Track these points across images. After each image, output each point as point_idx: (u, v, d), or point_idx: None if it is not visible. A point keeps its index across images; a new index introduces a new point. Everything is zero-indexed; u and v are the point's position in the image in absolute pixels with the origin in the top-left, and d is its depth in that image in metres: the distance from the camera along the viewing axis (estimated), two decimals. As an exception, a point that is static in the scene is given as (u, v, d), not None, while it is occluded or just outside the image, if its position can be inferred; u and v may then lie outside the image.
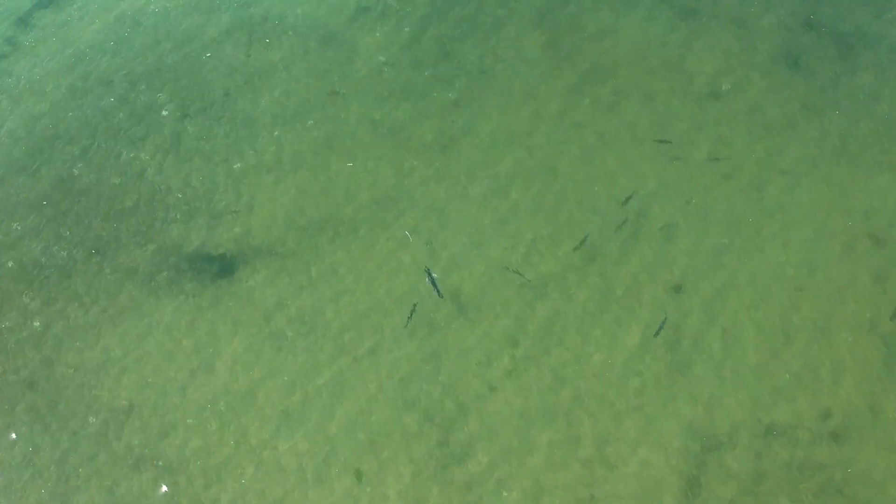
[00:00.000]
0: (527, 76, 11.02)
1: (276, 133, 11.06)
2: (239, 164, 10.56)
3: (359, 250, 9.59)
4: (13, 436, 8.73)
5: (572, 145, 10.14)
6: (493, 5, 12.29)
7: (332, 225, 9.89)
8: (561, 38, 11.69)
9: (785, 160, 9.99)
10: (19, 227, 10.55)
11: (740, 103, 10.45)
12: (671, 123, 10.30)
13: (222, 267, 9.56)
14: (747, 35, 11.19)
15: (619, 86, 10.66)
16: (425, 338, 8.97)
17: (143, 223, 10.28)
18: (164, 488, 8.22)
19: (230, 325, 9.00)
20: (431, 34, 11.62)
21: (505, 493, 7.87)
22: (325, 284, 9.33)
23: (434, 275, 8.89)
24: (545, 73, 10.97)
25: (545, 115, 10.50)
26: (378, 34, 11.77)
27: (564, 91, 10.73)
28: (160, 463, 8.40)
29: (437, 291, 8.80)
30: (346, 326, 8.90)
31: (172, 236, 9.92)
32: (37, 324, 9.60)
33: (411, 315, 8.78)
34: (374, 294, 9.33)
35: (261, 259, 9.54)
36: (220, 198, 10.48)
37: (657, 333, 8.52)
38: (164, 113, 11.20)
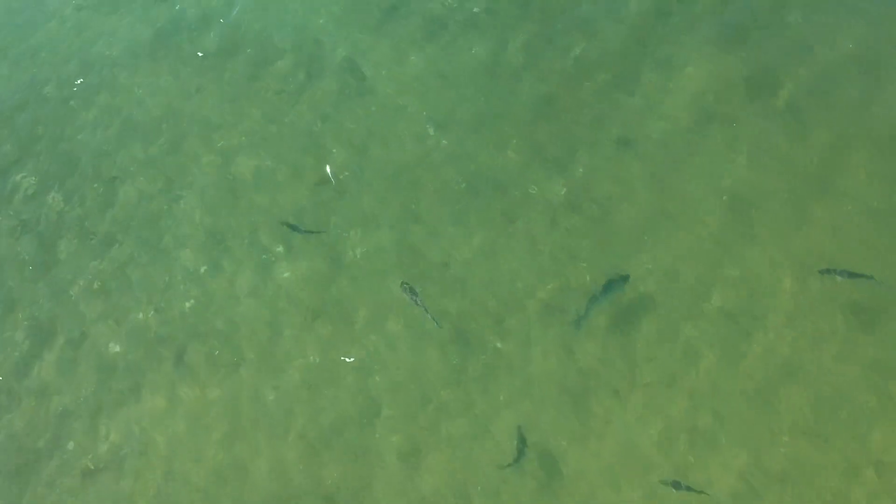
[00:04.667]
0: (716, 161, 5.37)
1: (202, 270, 5.90)
2: (118, 349, 5.59)
3: None
4: None
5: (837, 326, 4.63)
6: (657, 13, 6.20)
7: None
8: (762, 61, 5.58)
9: None
10: None
11: None
12: None
13: None
14: None
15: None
16: None
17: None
18: None
19: None
20: (525, 72, 6.07)
21: None
22: None
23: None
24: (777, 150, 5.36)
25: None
26: (417, 60, 6.37)
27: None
28: None
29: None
30: None
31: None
32: None
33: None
34: None
35: None
36: (75, 426, 5.33)
37: None
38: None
